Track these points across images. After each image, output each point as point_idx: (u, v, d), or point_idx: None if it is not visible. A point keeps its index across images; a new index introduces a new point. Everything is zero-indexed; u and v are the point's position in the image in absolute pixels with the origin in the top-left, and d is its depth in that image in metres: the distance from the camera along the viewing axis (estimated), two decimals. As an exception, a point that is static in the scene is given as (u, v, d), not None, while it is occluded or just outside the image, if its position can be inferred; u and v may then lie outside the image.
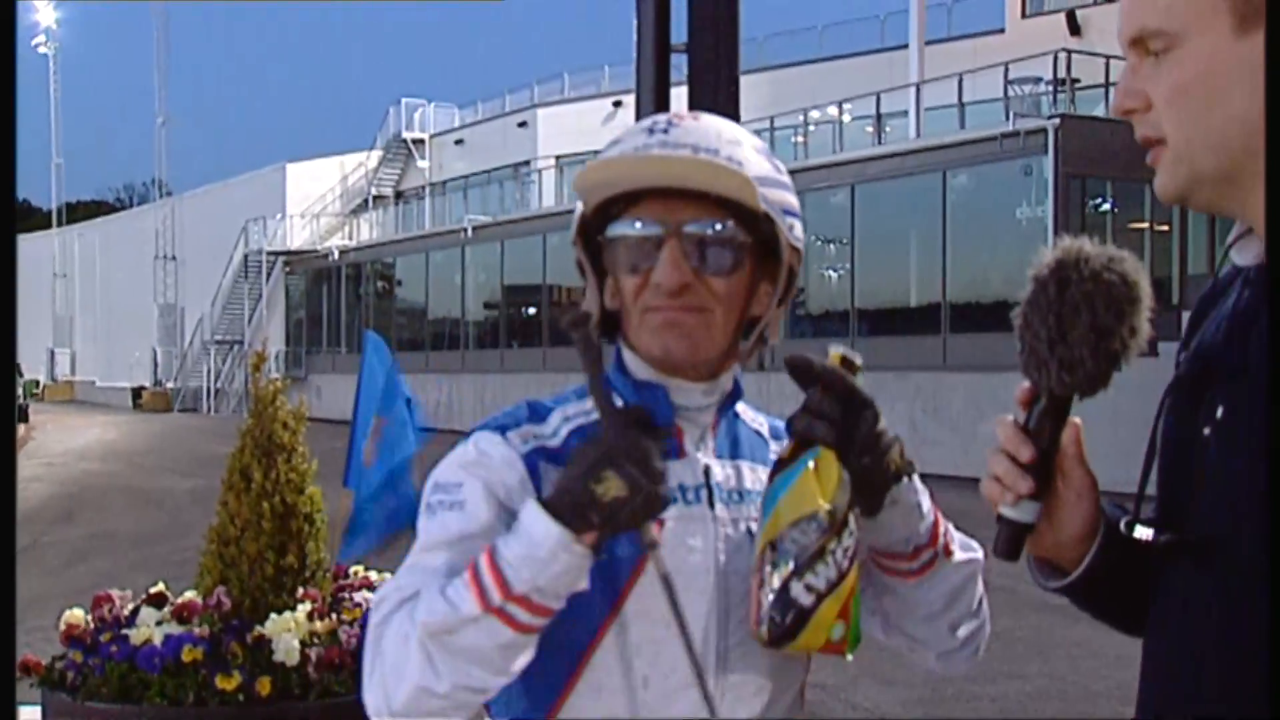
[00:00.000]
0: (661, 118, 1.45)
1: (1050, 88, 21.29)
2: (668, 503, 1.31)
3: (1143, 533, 1.20)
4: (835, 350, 1.40)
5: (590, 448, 1.30)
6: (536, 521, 1.28)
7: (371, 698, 1.34)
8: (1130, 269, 1.24)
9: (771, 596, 1.34)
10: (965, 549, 1.49)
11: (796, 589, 1.34)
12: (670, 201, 1.39)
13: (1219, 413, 1.15)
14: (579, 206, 1.46)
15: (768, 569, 1.35)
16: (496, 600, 1.27)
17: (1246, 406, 1.12)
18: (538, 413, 1.46)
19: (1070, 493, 1.28)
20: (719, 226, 1.40)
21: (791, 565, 1.34)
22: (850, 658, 1.38)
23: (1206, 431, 1.16)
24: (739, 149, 1.42)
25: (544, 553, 1.27)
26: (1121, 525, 1.23)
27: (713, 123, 1.45)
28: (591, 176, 1.42)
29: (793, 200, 1.45)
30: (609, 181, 1.42)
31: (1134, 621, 1.36)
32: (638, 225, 1.41)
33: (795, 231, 1.44)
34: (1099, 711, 6.87)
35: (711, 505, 1.41)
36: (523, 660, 1.33)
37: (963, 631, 1.50)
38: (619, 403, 1.39)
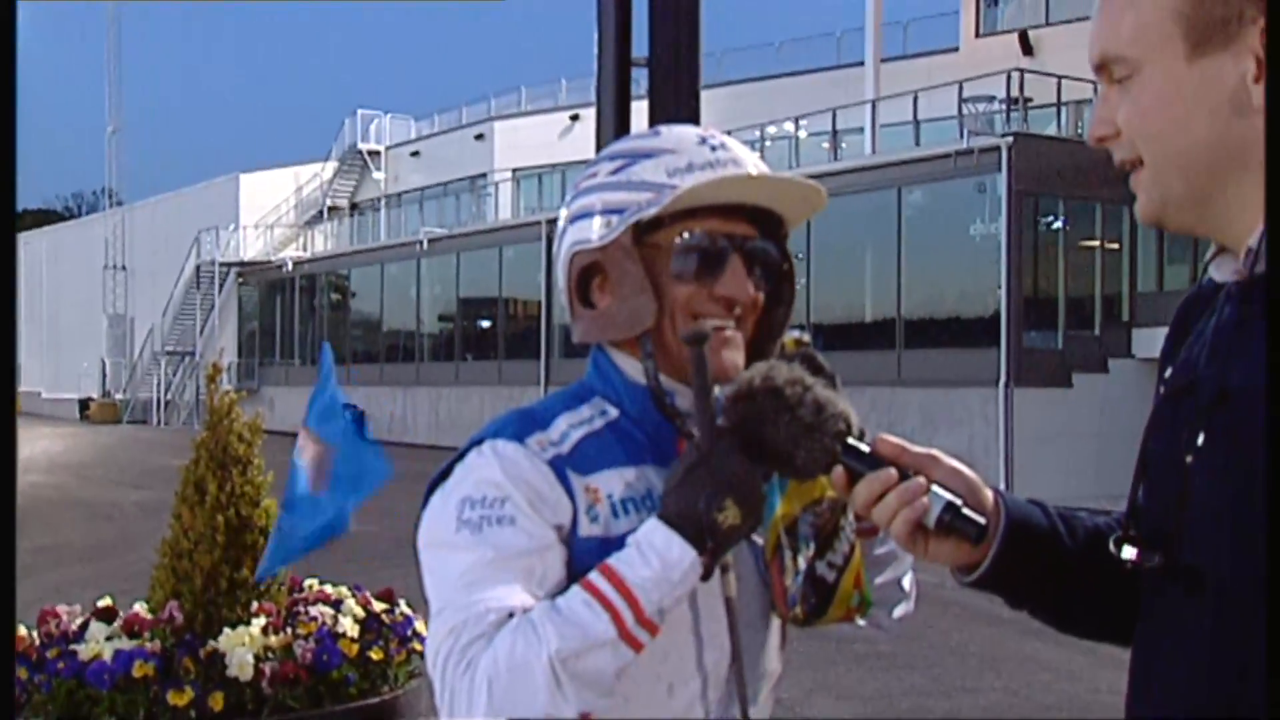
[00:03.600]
0: (700, 131, 1.52)
1: (1003, 106, 21.54)
2: (761, 524, 1.36)
3: (1129, 553, 1.20)
4: (788, 336, 1.49)
5: (706, 471, 1.31)
6: (671, 544, 1.29)
7: None
8: (777, 377, 1.31)
9: (799, 578, 1.40)
10: None
11: (821, 568, 1.40)
12: (729, 217, 1.46)
13: (1200, 440, 1.15)
14: (604, 223, 1.45)
15: (788, 554, 1.40)
16: (630, 624, 1.28)
17: (1227, 435, 1.12)
18: (539, 420, 1.44)
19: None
20: (773, 246, 1.49)
21: (813, 547, 1.40)
22: (862, 621, 1.47)
23: (1189, 459, 1.15)
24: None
25: (678, 575, 1.29)
26: (1110, 543, 1.23)
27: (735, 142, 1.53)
28: (702, 192, 1.43)
29: None
30: (717, 195, 1.45)
31: (1056, 615, 1.39)
32: (712, 237, 1.45)
33: None
34: (1051, 724, 6.92)
35: None
36: None
37: (907, 582, 1.56)
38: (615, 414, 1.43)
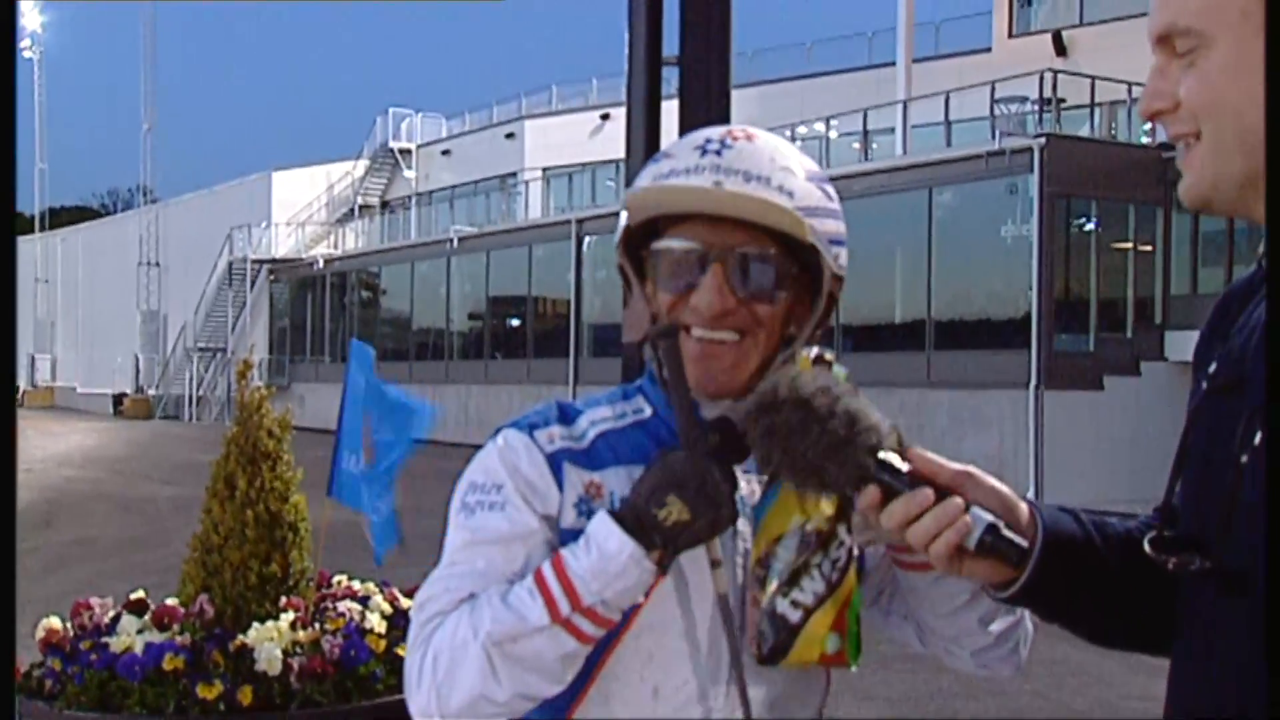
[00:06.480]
0: (715, 134, 1.44)
1: (1036, 107, 21.38)
2: (733, 521, 1.32)
3: (1166, 555, 1.17)
4: (804, 354, 1.40)
5: (658, 467, 1.31)
6: (610, 536, 1.30)
7: (421, 701, 1.34)
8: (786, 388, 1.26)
9: (761, 613, 1.35)
10: None
11: (783, 605, 1.35)
12: (719, 225, 1.39)
13: (1257, 439, 1.10)
14: (624, 216, 1.46)
15: (757, 587, 1.36)
16: (565, 611, 1.29)
17: None
18: (566, 414, 1.47)
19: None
20: (765, 254, 1.40)
21: (776, 582, 1.35)
22: (855, 668, 1.39)
23: (1245, 459, 1.11)
24: (791, 177, 1.41)
25: (616, 566, 1.29)
26: (1145, 544, 1.20)
27: (766, 144, 1.44)
28: (647, 199, 1.42)
29: (840, 228, 1.46)
30: (660, 204, 1.42)
31: (1091, 626, 1.36)
32: (684, 245, 1.41)
33: (840, 260, 1.45)
34: (1080, 729, 6.87)
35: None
36: (575, 669, 1.34)
37: (996, 627, 1.48)
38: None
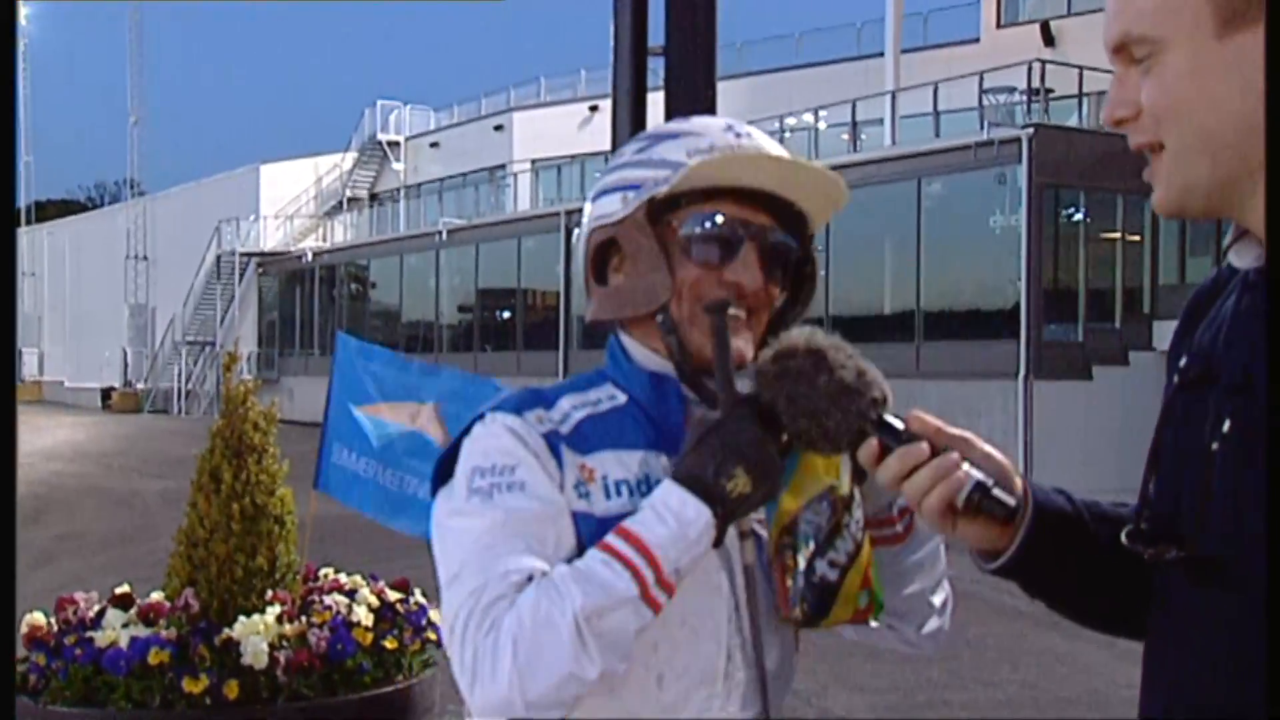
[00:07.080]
0: (732, 121, 1.51)
1: (1024, 98, 21.40)
2: (779, 493, 1.34)
3: (1140, 548, 1.18)
4: (797, 333, 1.45)
5: (717, 438, 1.31)
6: (686, 503, 1.30)
7: (499, 688, 1.26)
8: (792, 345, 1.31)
9: (799, 579, 1.37)
10: None
11: (821, 567, 1.37)
12: (747, 205, 1.44)
13: (1226, 427, 1.12)
14: (622, 198, 1.46)
15: (788, 554, 1.38)
16: (651, 582, 1.28)
17: (1253, 423, 1.09)
18: (544, 399, 1.46)
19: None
20: (791, 238, 1.47)
21: (812, 545, 1.37)
22: (875, 624, 1.43)
23: (1214, 447, 1.12)
24: None
25: (695, 533, 1.29)
26: (1123, 536, 1.20)
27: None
28: (726, 167, 1.43)
29: None
30: (739, 176, 1.44)
31: (1078, 606, 1.37)
32: (724, 222, 1.44)
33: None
34: (1070, 718, 6.89)
35: None
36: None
37: (937, 599, 1.52)
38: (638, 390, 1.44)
